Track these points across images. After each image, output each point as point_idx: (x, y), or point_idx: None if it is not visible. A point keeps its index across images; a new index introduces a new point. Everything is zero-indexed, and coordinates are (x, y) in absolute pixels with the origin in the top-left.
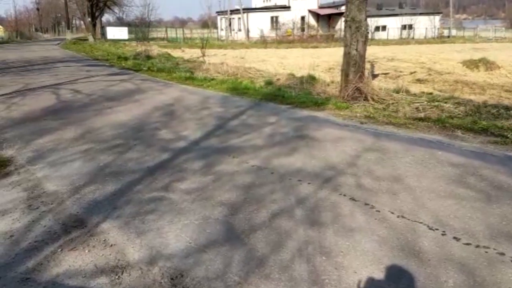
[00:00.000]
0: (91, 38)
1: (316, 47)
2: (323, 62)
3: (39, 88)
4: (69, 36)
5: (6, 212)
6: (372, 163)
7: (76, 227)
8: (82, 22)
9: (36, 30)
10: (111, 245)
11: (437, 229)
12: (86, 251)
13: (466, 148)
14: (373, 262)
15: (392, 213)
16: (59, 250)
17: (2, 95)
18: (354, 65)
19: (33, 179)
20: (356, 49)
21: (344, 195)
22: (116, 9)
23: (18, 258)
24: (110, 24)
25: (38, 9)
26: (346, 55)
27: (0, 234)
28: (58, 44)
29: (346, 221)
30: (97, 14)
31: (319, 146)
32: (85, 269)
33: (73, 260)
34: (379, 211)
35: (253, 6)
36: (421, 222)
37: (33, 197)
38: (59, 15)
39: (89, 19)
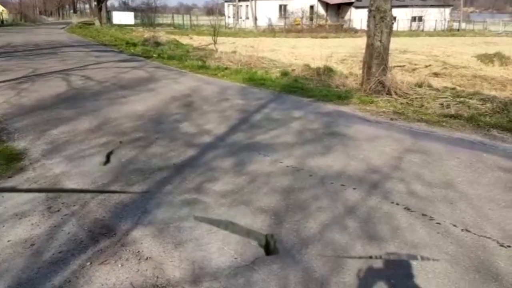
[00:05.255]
0: (97, 23)
1: (326, 37)
2: (335, 53)
3: (48, 74)
4: (75, 20)
5: (24, 215)
6: (418, 167)
7: (104, 234)
8: (86, 6)
9: (40, 13)
10: (147, 258)
11: (509, 246)
12: (119, 265)
13: (511, 150)
14: (450, 287)
15: (455, 226)
16: (88, 263)
17: (11, 80)
18: (377, 57)
19: (51, 176)
20: (380, 41)
21: (397, 204)
22: None
23: (42, 272)
24: (114, 9)
25: None
26: (369, 46)
27: (19, 242)
28: (63, 28)
29: (407, 236)
30: None
31: (354, 145)
32: None
33: (105, 276)
34: (439, 224)
35: None
36: (489, 237)
37: (52, 197)
38: None
39: (95, 2)
